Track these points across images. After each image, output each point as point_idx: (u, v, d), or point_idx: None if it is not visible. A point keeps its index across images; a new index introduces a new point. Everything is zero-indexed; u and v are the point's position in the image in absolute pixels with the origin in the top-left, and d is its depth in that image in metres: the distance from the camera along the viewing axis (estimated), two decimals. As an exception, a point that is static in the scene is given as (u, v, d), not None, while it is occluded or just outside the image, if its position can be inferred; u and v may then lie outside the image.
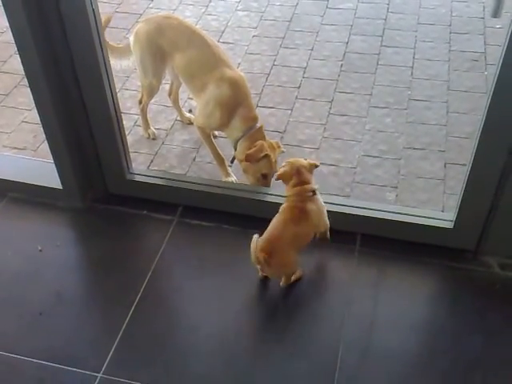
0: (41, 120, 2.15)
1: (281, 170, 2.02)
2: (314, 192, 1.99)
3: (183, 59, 2.45)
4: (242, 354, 1.87)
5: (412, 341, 1.92)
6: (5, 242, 2.26)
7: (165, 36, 2.47)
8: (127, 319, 1.95)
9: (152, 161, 2.62)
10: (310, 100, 2.94)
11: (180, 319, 2.00)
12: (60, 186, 2.32)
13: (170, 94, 2.79)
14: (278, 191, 2.30)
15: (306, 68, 3.15)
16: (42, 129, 2.20)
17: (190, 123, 2.80)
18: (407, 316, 1.98)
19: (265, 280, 2.06)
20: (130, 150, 2.39)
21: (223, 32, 3.42)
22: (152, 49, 2.49)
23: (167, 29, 2.48)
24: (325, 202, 2.20)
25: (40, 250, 2.19)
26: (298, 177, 1.98)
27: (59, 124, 2.13)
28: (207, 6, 3.68)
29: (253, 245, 1.92)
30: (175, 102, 2.81)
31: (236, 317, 1.98)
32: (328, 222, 2.07)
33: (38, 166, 2.49)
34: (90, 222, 2.32)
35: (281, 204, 2.19)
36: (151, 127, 2.77)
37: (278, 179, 2.04)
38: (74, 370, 1.82)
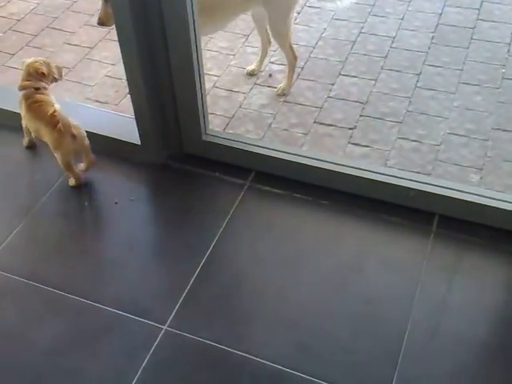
0: (126, 75, 2.16)
1: None
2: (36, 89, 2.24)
3: None
4: (303, 323, 1.85)
5: (482, 329, 1.83)
6: (82, 192, 2.31)
7: None
8: (194, 277, 1.96)
9: (228, 124, 2.60)
10: (397, 71, 2.82)
11: (245, 282, 2.00)
12: (138, 142, 2.35)
13: None
14: (355, 163, 2.24)
15: (394, 38, 3.02)
16: (124, 84, 2.23)
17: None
18: (480, 303, 1.89)
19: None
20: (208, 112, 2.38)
21: (310, -4, 3.33)
22: None
23: None
24: (403, 179, 2.14)
25: (116, 203, 2.24)
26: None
27: (144, 81, 2.14)
28: (296, -31, 3.58)
29: (60, 115, 2.09)
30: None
31: (299, 286, 1.95)
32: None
33: (118, 120, 2.53)
34: (164, 180, 2.34)
35: (356, 176, 2.15)
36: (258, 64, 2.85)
37: None
38: (141, 320, 1.86)
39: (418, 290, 1.91)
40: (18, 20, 3.27)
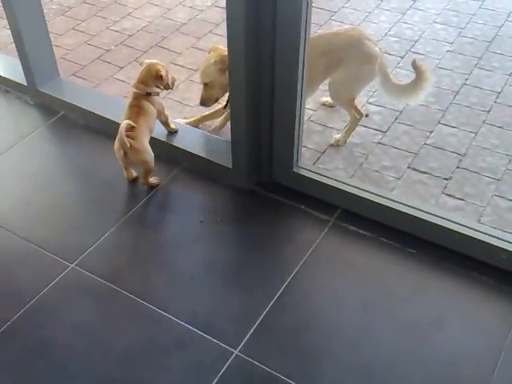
0: (231, 102, 2.22)
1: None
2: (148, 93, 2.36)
3: None
4: (375, 371, 1.79)
5: None
6: (171, 207, 2.39)
7: None
8: (270, 305, 1.96)
9: (318, 158, 2.61)
10: (499, 127, 2.74)
11: (321, 319, 1.97)
12: (230, 165, 2.40)
13: None
14: (448, 215, 2.17)
15: (499, 93, 2.95)
16: (223, 108, 2.29)
17: None
18: None
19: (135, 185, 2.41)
20: (302, 144, 2.40)
21: (416, 42, 3.31)
22: None
23: None
24: (497, 238, 2.06)
25: (201, 221, 2.28)
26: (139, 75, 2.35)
27: (246, 108, 2.19)
28: (404, 14, 3.58)
29: (122, 129, 2.19)
30: None
31: (375, 332, 1.91)
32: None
33: (213, 142, 2.60)
34: (251, 205, 2.37)
35: (447, 228, 2.10)
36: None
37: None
38: (213, 340, 1.87)
39: (501, 356, 1.81)
40: (130, 35, 3.44)
